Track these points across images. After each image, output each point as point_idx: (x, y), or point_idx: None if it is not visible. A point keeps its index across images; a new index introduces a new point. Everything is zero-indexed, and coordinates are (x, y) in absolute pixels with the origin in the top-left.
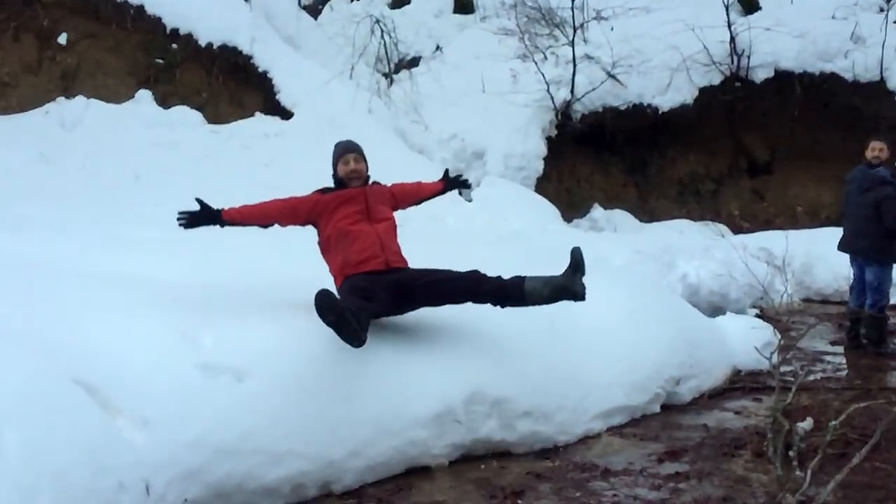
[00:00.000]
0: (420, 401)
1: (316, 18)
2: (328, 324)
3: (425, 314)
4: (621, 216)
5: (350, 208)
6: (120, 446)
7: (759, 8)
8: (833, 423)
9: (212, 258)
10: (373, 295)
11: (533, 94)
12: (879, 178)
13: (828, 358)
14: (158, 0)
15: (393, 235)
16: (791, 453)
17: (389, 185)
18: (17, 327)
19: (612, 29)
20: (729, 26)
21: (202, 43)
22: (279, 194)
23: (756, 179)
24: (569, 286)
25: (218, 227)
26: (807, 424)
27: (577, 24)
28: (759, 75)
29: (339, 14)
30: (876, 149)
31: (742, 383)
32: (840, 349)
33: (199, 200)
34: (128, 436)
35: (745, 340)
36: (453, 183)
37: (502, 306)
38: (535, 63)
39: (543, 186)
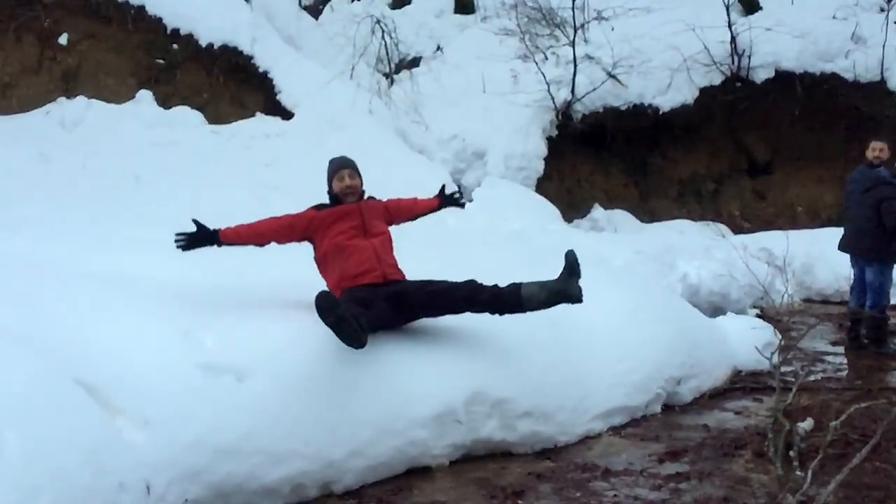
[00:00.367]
0: (421, 401)
1: (317, 19)
2: (328, 325)
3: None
4: (622, 216)
5: (345, 224)
6: (120, 446)
7: (760, 8)
8: (833, 423)
9: (212, 258)
10: (372, 305)
11: (533, 95)
12: (880, 178)
13: (828, 358)
14: (159, 0)
15: (389, 249)
16: (792, 453)
17: (384, 199)
18: (18, 327)
19: (612, 29)
20: (729, 26)
21: (203, 43)
22: (280, 194)
23: (757, 179)
24: (565, 289)
25: (216, 247)
26: (807, 425)
27: (577, 24)
28: (760, 75)
29: (340, 14)
30: (877, 149)
31: (742, 383)
32: (840, 349)
33: (195, 221)
34: (128, 436)
35: (746, 341)
36: (448, 200)
37: (500, 314)
38: (536, 63)
39: (544, 186)
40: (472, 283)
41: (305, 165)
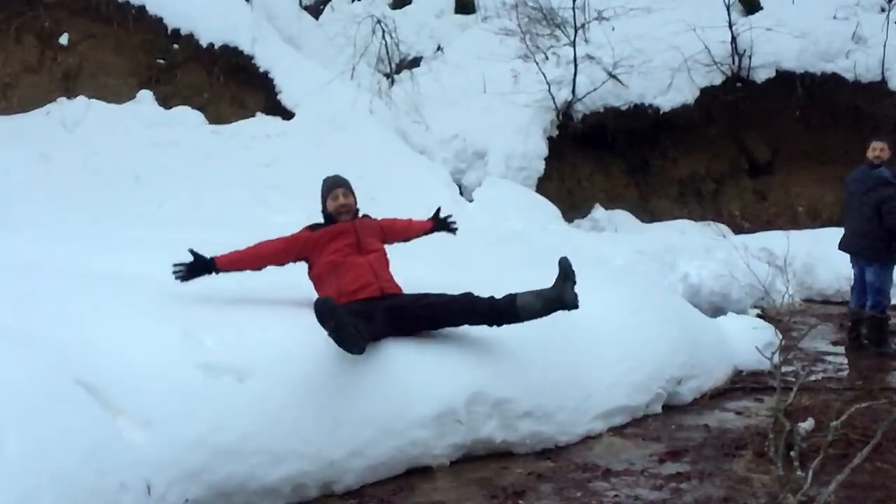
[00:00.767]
0: (421, 401)
1: (317, 19)
2: (327, 330)
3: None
4: (622, 216)
5: (341, 242)
6: (121, 446)
7: (761, 8)
8: (834, 423)
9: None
10: (371, 318)
11: (534, 95)
12: (881, 178)
13: (829, 358)
14: (160, 1)
15: (385, 264)
16: (792, 454)
17: (379, 218)
18: (18, 327)
19: (613, 29)
20: (730, 26)
21: (203, 43)
22: (280, 194)
23: (757, 179)
24: (560, 296)
25: (214, 274)
26: (808, 425)
27: (578, 24)
28: (761, 75)
29: (341, 14)
30: (877, 149)
31: (743, 383)
32: (841, 349)
33: (192, 251)
34: (129, 436)
35: (747, 341)
36: (442, 224)
37: (498, 325)
38: (537, 63)
39: (544, 186)
40: (468, 296)
41: (306, 165)
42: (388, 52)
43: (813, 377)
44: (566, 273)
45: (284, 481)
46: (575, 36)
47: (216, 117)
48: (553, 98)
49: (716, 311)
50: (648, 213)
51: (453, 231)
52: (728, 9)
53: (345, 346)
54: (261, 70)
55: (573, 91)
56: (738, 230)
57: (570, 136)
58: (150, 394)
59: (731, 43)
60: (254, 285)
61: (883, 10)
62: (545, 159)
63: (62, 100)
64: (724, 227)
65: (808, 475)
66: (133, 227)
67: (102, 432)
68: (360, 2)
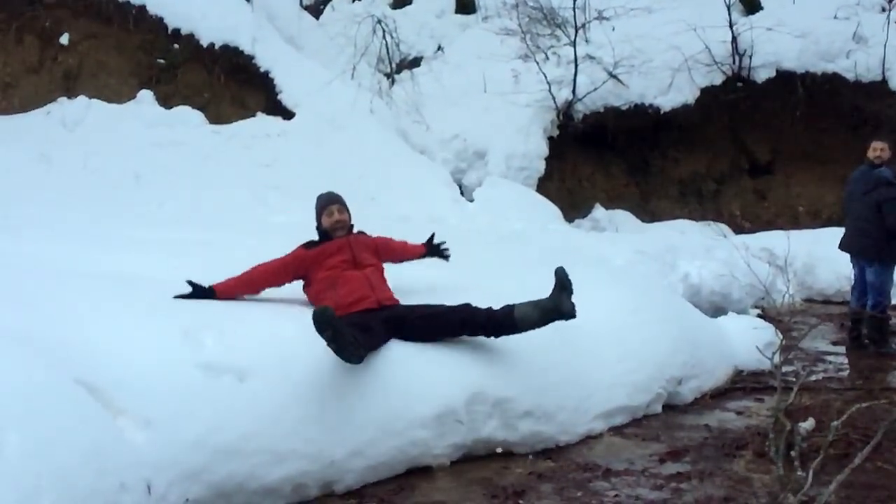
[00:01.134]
0: (421, 401)
1: (317, 18)
2: (326, 340)
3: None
4: (623, 216)
5: (336, 258)
6: (121, 446)
7: (761, 8)
8: (835, 423)
9: (213, 258)
10: (371, 330)
11: (534, 94)
12: (882, 178)
13: (829, 358)
14: (160, 0)
15: (381, 278)
16: (793, 453)
17: (374, 236)
18: (19, 327)
19: (613, 29)
20: (730, 26)
21: (204, 43)
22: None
23: (758, 179)
24: (557, 307)
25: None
26: (808, 425)
27: (578, 24)
28: (761, 75)
29: (341, 14)
30: (878, 149)
31: (744, 383)
32: (842, 349)
33: (190, 282)
34: (129, 436)
35: (747, 340)
36: (434, 251)
37: (496, 336)
38: (537, 63)
39: (545, 186)
40: (466, 307)
41: (306, 165)
42: (388, 52)
43: (813, 377)
44: (563, 283)
45: (285, 481)
46: (575, 36)
47: (216, 117)
48: (553, 98)
49: (716, 310)
50: (649, 213)
51: (446, 258)
52: (728, 9)
53: (343, 355)
54: (261, 70)
55: (574, 91)
56: (738, 230)
57: (570, 135)
58: (151, 394)
59: (732, 43)
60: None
61: (883, 9)
62: (546, 159)
63: (63, 100)
64: (724, 227)
65: (809, 475)
66: (133, 227)
67: (103, 432)
68: (361, 1)
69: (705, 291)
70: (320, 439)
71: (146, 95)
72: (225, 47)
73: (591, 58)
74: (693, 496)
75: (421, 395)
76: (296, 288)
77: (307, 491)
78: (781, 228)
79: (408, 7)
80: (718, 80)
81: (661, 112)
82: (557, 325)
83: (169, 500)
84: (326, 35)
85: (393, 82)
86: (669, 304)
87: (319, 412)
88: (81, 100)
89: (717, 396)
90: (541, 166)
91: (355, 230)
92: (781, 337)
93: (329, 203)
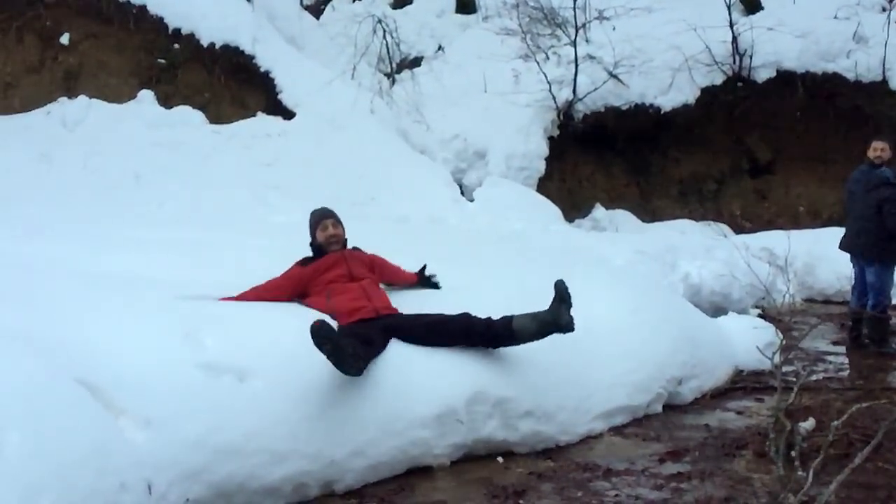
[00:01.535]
0: (422, 401)
1: (318, 18)
2: (325, 353)
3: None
4: (623, 216)
5: (332, 272)
6: (122, 446)
7: (762, 8)
8: (835, 423)
9: (213, 258)
10: (371, 341)
11: (535, 94)
12: (882, 178)
13: (830, 358)
14: (161, 0)
15: (377, 288)
16: (793, 453)
17: (369, 252)
18: (19, 327)
19: (613, 29)
20: (731, 26)
21: (204, 43)
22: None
23: (758, 179)
24: (556, 320)
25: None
26: (809, 424)
27: (578, 23)
28: (762, 75)
29: (341, 14)
30: (878, 149)
31: (744, 383)
32: (842, 349)
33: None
34: (130, 436)
35: (747, 340)
36: (426, 282)
37: (494, 347)
38: (537, 63)
39: (545, 186)
40: (466, 317)
41: (306, 165)
42: (388, 52)
43: (814, 377)
44: (562, 296)
45: (285, 481)
46: (576, 35)
47: (217, 117)
48: (554, 98)
49: (716, 310)
50: (649, 213)
51: (437, 287)
52: (729, 8)
53: (342, 368)
54: (261, 70)
55: (574, 91)
56: (738, 230)
57: (570, 135)
58: (151, 394)
59: (732, 43)
60: (254, 285)
61: (884, 9)
62: (546, 159)
63: (63, 99)
64: (724, 227)
65: (809, 475)
66: (134, 227)
67: (103, 432)
68: (361, 1)
69: (705, 291)
70: (321, 439)
71: (146, 95)
72: (225, 47)
73: (592, 58)
74: (693, 496)
75: (421, 394)
76: None
77: (308, 490)
78: (782, 228)
79: (408, 7)
80: (719, 79)
81: (662, 112)
82: None
83: (169, 499)
84: (327, 35)
85: (393, 82)
86: (670, 304)
87: (320, 412)
88: (82, 99)
89: (718, 396)
90: (541, 166)
91: (350, 245)
92: (782, 337)
93: (323, 218)
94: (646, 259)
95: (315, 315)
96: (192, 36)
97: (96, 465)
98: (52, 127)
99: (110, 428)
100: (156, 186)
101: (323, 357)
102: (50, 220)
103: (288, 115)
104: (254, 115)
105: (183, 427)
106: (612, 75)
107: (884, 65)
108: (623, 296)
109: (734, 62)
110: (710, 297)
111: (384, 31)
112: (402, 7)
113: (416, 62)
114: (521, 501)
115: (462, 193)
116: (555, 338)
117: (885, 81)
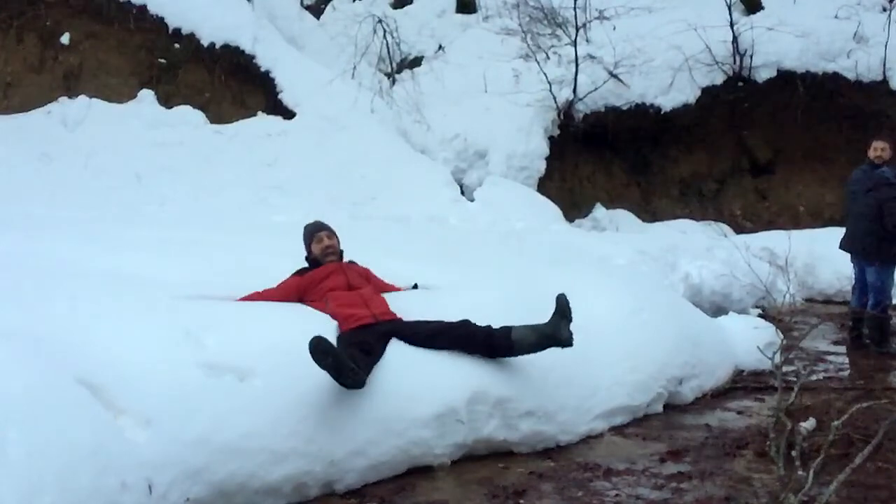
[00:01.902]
0: (422, 400)
1: (318, 18)
2: (325, 368)
3: (427, 313)
4: (623, 216)
5: (330, 281)
6: (122, 446)
7: (762, 7)
8: (836, 423)
9: (213, 258)
10: (370, 348)
11: (535, 94)
12: (883, 178)
13: (830, 358)
14: (161, 0)
15: (376, 295)
16: (793, 453)
17: (365, 266)
18: (19, 327)
19: (614, 29)
20: (731, 26)
21: (205, 43)
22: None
23: (758, 179)
24: (555, 334)
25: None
26: (809, 424)
27: (579, 23)
28: (762, 75)
29: (342, 14)
30: (878, 148)
31: (744, 383)
32: (842, 349)
33: None
34: (130, 435)
35: (748, 340)
36: None
37: (492, 357)
38: (538, 63)
39: (546, 186)
40: (466, 325)
41: (307, 165)
42: (389, 52)
43: (814, 377)
44: (563, 311)
45: (286, 480)
46: (576, 35)
47: (217, 117)
48: (554, 97)
49: (717, 310)
50: (650, 213)
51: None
52: (729, 8)
53: (343, 381)
54: (262, 69)
55: (574, 90)
56: (739, 230)
57: (571, 135)
58: (152, 393)
59: (733, 42)
60: (255, 285)
61: (884, 9)
62: (546, 159)
63: (63, 99)
64: (725, 227)
65: (810, 475)
66: (134, 227)
67: (104, 432)
68: (362, 1)
69: (706, 291)
70: (321, 439)
71: (147, 95)
72: (226, 47)
73: (592, 57)
74: (694, 496)
75: (422, 394)
76: None
77: (308, 490)
78: (782, 228)
79: (408, 7)
80: (719, 79)
81: (662, 112)
82: None
83: (170, 499)
84: (327, 35)
85: (394, 82)
86: (670, 304)
87: (320, 412)
88: (82, 99)
89: (718, 396)
90: (541, 166)
91: (346, 259)
92: (782, 337)
93: (317, 230)
94: (646, 259)
95: (315, 317)
96: (192, 36)
97: (96, 465)
98: (52, 127)
99: (110, 427)
100: (156, 186)
101: None
102: (50, 220)
103: (288, 114)
104: (254, 115)
105: (183, 427)
106: (613, 75)
107: (884, 64)
108: (623, 296)
109: (734, 62)
110: (710, 296)
111: (384, 30)
112: (402, 7)
113: (417, 62)
114: (521, 501)
115: (462, 193)
116: None
117: (885, 81)
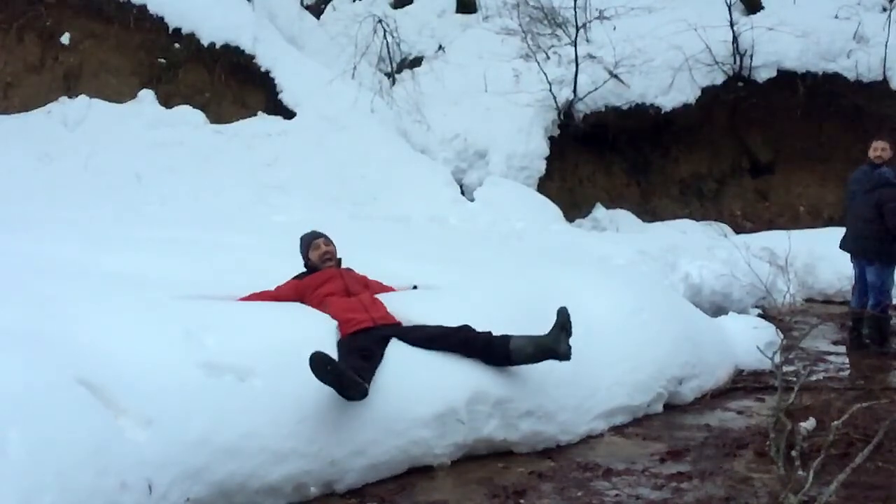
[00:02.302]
0: (422, 401)
1: (318, 18)
2: (327, 382)
3: (427, 313)
4: (624, 216)
5: (329, 286)
6: (122, 445)
7: (762, 7)
8: (836, 423)
9: (213, 258)
10: (369, 353)
11: (535, 94)
12: (883, 178)
13: (830, 358)
14: (161, 0)
15: (374, 300)
16: (793, 453)
17: (362, 273)
18: (20, 327)
19: (614, 29)
20: (731, 26)
21: (205, 43)
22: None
23: (759, 179)
24: (554, 347)
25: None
26: (809, 424)
27: (579, 23)
28: (762, 75)
29: (342, 14)
30: (878, 148)
31: (744, 383)
32: (842, 349)
33: None
34: (130, 435)
35: (748, 340)
36: None
37: (489, 364)
38: (538, 63)
39: (546, 186)
40: (465, 332)
41: (307, 165)
42: (389, 52)
43: (814, 377)
44: (564, 324)
45: (286, 480)
46: (576, 35)
47: (217, 117)
48: (554, 97)
49: (717, 310)
50: (650, 213)
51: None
52: (729, 8)
53: (346, 394)
54: (262, 69)
55: (574, 90)
56: (739, 230)
57: (571, 135)
58: (152, 393)
59: (733, 42)
60: (255, 286)
61: (884, 9)
62: (546, 159)
63: (64, 99)
64: (725, 227)
65: (810, 475)
66: (134, 227)
67: (104, 431)
68: (362, 1)
69: (706, 291)
70: (321, 438)
71: (147, 95)
72: (226, 47)
73: (592, 57)
74: (694, 496)
75: (422, 394)
76: None
77: (308, 490)
78: (782, 228)
79: (409, 7)
80: (719, 79)
81: (662, 112)
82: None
83: (170, 499)
84: (327, 34)
85: (394, 82)
86: (670, 304)
87: (320, 412)
88: (82, 99)
89: (718, 396)
90: (541, 166)
91: (344, 266)
92: (782, 337)
93: (314, 238)
94: (646, 259)
95: (315, 317)
96: (192, 35)
97: (96, 465)
98: (52, 127)
99: (110, 427)
100: (156, 186)
101: None
102: (50, 220)
103: (288, 114)
104: (254, 115)
105: (183, 426)
106: (613, 75)
107: (884, 64)
108: (623, 296)
109: (735, 62)
110: (710, 296)
111: (385, 30)
112: (402, 7)
113: (417, 62)
114: (521, 501)
115: (462, 193)
116: None
117: (885, 81)
